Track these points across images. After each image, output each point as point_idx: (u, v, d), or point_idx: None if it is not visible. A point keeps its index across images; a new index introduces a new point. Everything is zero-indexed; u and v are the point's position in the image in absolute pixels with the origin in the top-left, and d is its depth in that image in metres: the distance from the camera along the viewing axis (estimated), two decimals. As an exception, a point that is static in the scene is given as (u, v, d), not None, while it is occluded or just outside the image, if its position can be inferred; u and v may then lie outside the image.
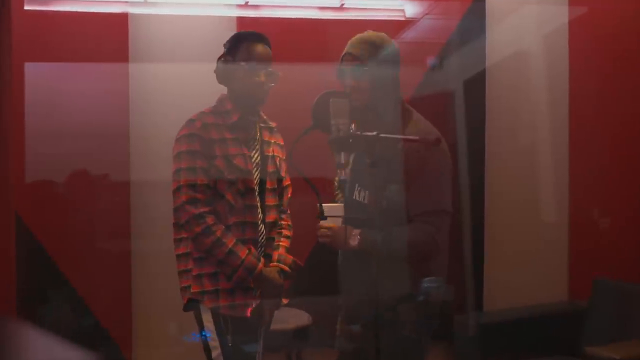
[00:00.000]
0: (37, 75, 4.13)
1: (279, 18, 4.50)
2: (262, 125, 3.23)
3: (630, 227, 4.21)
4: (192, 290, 3.06)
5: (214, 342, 3.06)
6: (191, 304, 3.10)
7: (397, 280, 2.93)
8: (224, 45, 3.17)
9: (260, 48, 3.12)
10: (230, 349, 3.04)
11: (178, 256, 3.13)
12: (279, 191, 3.24)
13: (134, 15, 4.25)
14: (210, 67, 3.19)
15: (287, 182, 3.30)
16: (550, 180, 4.56)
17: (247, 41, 3.13)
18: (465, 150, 4.24)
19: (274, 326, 3.33)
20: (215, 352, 3.05)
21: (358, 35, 3.01)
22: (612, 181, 4.29)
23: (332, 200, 3.08)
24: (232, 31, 4.03)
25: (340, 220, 2.90)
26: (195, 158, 3.02)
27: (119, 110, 4.23)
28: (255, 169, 3.11)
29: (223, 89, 3.23)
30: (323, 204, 2.84)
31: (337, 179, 3.10)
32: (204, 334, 3.08)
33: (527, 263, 4.49)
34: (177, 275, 3.16)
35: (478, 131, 4.55)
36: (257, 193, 3.12)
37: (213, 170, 3.02)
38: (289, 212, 3.34)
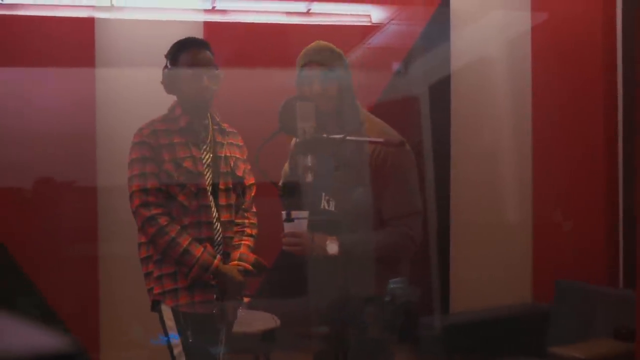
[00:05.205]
0: (4, 81, 4.12)
1: (246, 23, 4.53)
2: (215, 127, 3.28)
3: (592, 229, 4.27)
4: (154, 292, 3.15)
5: (175, 340, 3.12)
6: (156, 305, 3.18)
7: (365, 283, 2.97)
8: (165, 55, 3.22)
9: (198, 53, 3.19)
10: (192, 346, 3.09)
11: (141, 260, 3.21)
12: (237, 191, 3.29)
13: (100, 19, 4.26)
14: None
15: (250, 181, 3.34)
16: (514, 183, 4.63)
17: (185, 48, 3.20)
18: (431, 154, 4.29)
19: (240, 329, 3.37)
20: (177, 350, 3.10)
21: (315, 44, 3.05)
22: (575, 183, 4.35)
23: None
24: (199, 36, 4.06)
25: (305, 223, 2.86)
26: (145, 164, 3.11)
27: (86, 115, 4.24)
28: (206, 169, 3.18)
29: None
30: (291, 212, 2.85)
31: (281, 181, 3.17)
32: (171, 335, 3.12)
33: (492, 264, 4.53)
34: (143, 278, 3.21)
35: (443, 135, 4.60)
36: (209, 193, 3.18)
37: (163, 174, 3.11)
38: (254, 210, 3.38)
